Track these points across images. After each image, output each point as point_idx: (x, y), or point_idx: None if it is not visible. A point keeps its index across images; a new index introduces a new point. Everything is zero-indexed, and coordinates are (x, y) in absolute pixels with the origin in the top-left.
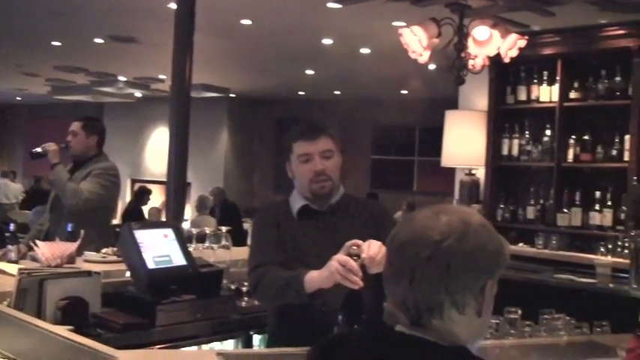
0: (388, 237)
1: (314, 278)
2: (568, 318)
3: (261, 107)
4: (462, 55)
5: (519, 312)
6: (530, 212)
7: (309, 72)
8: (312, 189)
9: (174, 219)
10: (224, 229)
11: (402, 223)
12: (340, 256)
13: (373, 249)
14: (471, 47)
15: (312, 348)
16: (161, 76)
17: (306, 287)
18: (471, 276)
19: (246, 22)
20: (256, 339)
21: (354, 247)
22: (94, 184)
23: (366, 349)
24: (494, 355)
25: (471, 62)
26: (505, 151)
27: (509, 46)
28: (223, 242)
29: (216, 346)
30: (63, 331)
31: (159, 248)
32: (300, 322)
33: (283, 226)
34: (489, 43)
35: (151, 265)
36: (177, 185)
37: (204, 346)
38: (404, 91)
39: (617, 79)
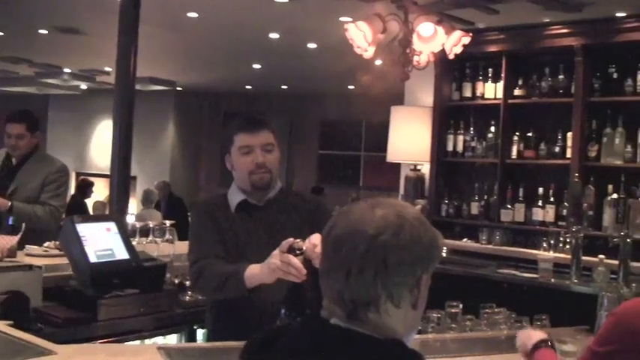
0: (324, 231)
1: (255, 274)
2: (509, 312)
3: (208, 101)
4: (407, 51)
5: (460, 306)
6: (474, 208)
7: (256, 66)
8: (251, 180)
9: (117, 213)
10: (168, 223)
11: (337, 216)
12: (280, 253)
13: (314, 239)
14: (416, 43)
15: (248, 341)
16: (107, 69)
17: (247, 282)
18: (407, 270)
19: (193, 15)
20: (200, 333)
21: (297, 241)
22: (59, 196)
23: (301, 342)
24: (435, 349)
25: (415, 58)
26: (450, 147)
27: (454, 42)
28: (167, 236)
29: (160, 340)
30: (2, 325)
31: (101, 242)
32: (240, 317)
33: (221, 220)
34: (434, 39)
35: (93, 259)
36: (120, 178)
37: (147, 341)
38: (351, 86)
39: (561, 77)
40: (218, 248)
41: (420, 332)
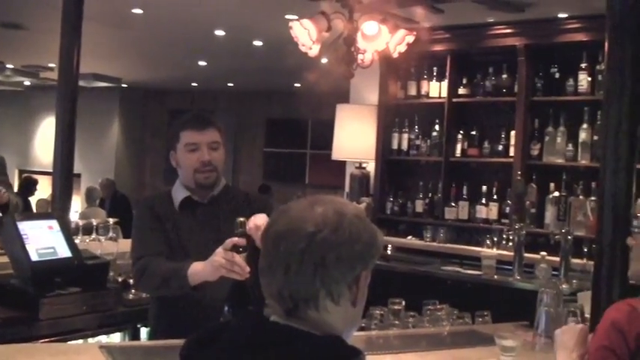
0: (264, 228)
1: (198, 271)
2: (451, 308)
3: (154, 98)
4: (352, 49)
5: (403, 303)
6: (419, 205)
7: (202, 63)
8: (196, 179)
9: (60, 210)
10: (111, 220)
11: (277, 214)
12: (223, 250)
13: (258, 219)
14: (360, 42)
15: (188, 339)
16: (50, 65)
17: (190, 280)
18: (346, 267)
19: (138, 11)
20: (143, 332)
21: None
22: (8, 187)
23: (241, 339)
24: (379, 345)
25: (360, 57)
26: (395, 145)
27: (398, 41)
28: (111, 234)
29: (103, 339)
30: None
31: (43, 240)
32: (183, 314)
33: (164, 218)
34: (378, 38)
35: (34, 257)
36: (63, 176)
37: (91, 340)
38: (297, 84)
39: (504, 76)
40: (161, 246)
41: (363, 329)
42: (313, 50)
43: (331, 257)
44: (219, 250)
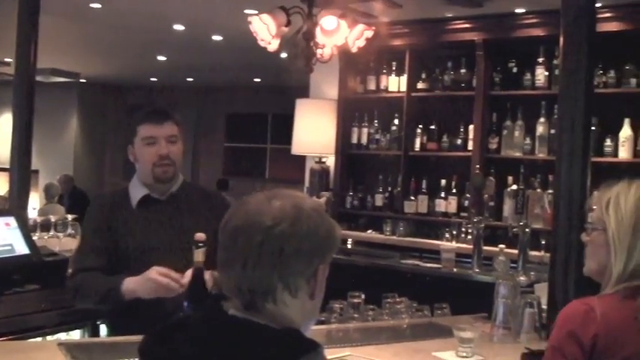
0: (222, 222)
1: (132, 290)
2: (410, 301)
3: (113, 93)
4: (311, 44)
5: (362, 296)
6: (379, 200)
7: (161, 58)
8: (154, 173)
9: (17, 207)
10: (70, 217)
11: (235, 208)
12: (159, 271)
13: None
14: (319, 37)
15: (146, 335)
16: (7, 59)
17: (127, 296)
18: (304, 260)
19: (96, 5)
20: (103, 328)
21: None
22: None
23: (199, 334)
24: (338, 339)
25: (319, 51)
26: (354, 140)
27: (357, 36)
28: (70, 230)
29: (62, 336)
30: None
31: (0, 237)
32: (142, 310)
33: (120, 217)
34: (337, 32)
35: None
36: (20, 172)
37: (50, 337)
38: (257, 79)
39: (462, 70)
40: (100, 258)
41: (322, 322)
42: (272, 45)
43: (289, 251)
44: (154, 272)
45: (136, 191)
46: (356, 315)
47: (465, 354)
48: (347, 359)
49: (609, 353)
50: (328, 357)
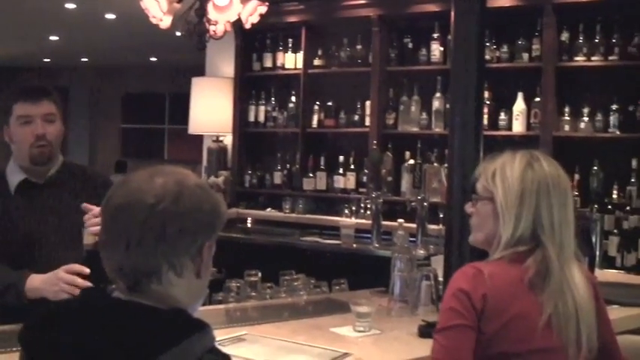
0: (103, 202)
1: (36, 288)
2: (308, 278)
3: (3, 75)
4: (204, 20)
5: (259, 274)
6: (277, 177)
7: (53, 38)
8: (31, 154)
9: None
10: None
11: (116, 186)
12: (67, 269)
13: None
14: (212, 13)
15: (26, 322)
16: None
17: (29, 295)
18: (188, 238)
19: None
20: None
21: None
22: None
23: (80, 319)
24: (236, 318)
25: (212, 28)
26: (252, 118)
27: (250, 12)
28: None
29: None
30: None
31: None
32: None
33: None
34: (230, 8)
35: None
36: None
37: None
38: (153, 58)
39: (359, 47)
40: None
41: (220, 302)
42: (164, 22)
43: (173, 229)
44: (61, 273)
45: (14, 176)
46: (253, 293)
47: (362, 328)
48: (244, 338)
49: (497, 313)
50: (225, 336)
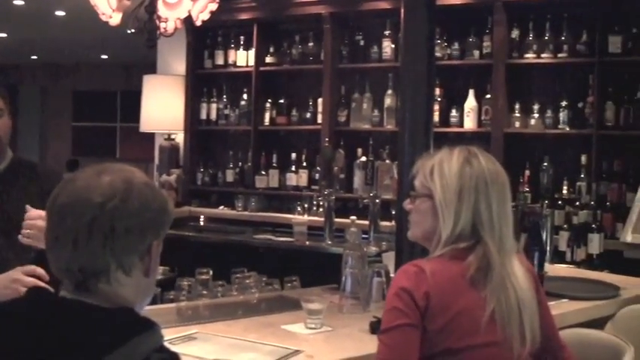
0: (49, 201)
1: None
2: (259, 276)
3: None
4: (154, 17)
5: (211, 272)
6: (230, 175)
7: (2, 35)
8: None
9: None
10: None
11: (62, 185)
12: (24, 271)
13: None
14: (162, 10)
15: None
16: None
17: None
18: (137, 237)
19: None
20: None
21: None
22: None
23: (26, 318)
24: (187, 316)
25: (162, 25)
26: (204, 116)
27: (200, 9)
28: None
29: None
30: None
31: None
32: None
33: None
34: (180, 5)
35: None
36: None
37: None
38: (104, 56)
39: (311, 44)
40: None
41: (171, 300)
42: (114, 19)
43: (121, 228)
44: (19, 275)
45: None
46: (205, 292)
47: (313, 325)
48: (195, 337)
49: (441, 310)
50: (175, 335)
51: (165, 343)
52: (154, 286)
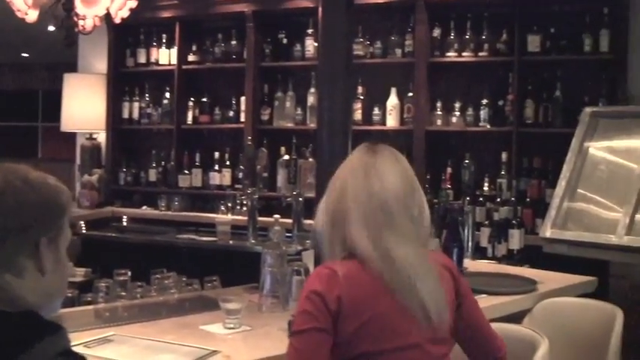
0: None
1: None
2: (179, 276)
3: None
4: (72, 14)
5: (129, 273)
6: (152, 175)
7: None
8: None
9: None
10: None
11: None
12: None
13: None
14: (80, 7)
15: None
16: None
17: None
18: (17, 237)
19: None
20: None
21: None
22: None
23: None
24: (105, 318)
25: (80, 23)
26: (126, 115)
27: (119, 6)
28: None
29: None
30: None
31: None
32: None
33: None
34: (98, 3)
35: None
36: None
37: None
38: (25, 54)
39: (233, 42)
40: None
41: (89, 302)
42: (30, 16)
43: None
44: None
45: None
46: (123, 293)
47: (232, 325)
48: (111, 339)
49: (354, 313)
50: (91, 338)
51: (79, 347)
52: (62, 285)
